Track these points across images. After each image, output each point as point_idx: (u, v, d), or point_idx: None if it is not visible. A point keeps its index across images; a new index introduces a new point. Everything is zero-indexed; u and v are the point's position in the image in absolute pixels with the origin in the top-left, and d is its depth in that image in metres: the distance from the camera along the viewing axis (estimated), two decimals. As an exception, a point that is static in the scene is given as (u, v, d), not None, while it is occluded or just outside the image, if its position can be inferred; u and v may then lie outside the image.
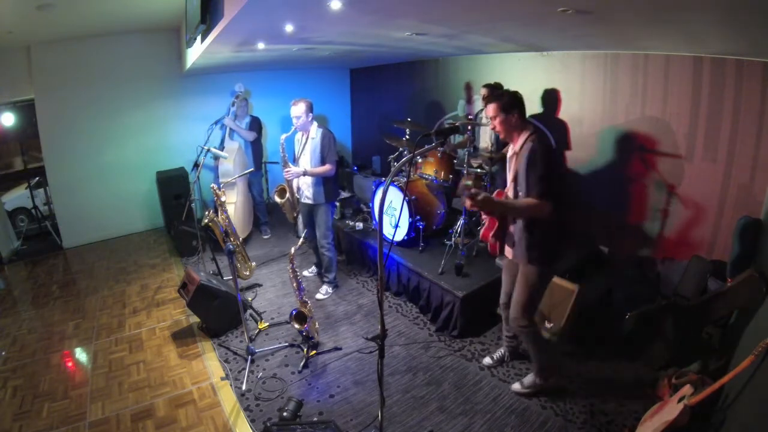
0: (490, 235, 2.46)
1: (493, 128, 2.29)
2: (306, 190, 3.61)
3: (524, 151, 2.18)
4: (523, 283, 2.38)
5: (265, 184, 6.23)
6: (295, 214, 3.91)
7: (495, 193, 2.44)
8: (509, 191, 2.36)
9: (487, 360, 2.90)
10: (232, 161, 4.61)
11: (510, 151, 2.37)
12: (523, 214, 2.27)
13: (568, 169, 3.90)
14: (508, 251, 2.45)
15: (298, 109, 3.39)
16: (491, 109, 2.26)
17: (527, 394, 2.57)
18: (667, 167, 3.23)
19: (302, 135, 3.56)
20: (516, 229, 2.35)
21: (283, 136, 3.53)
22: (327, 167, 3.46)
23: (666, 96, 3.15)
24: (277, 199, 3.85)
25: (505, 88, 3.89)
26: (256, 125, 4.98)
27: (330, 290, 3.87)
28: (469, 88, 4.72)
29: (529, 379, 2.60)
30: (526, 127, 2.24)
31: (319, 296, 3.80)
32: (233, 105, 4.87)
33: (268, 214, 5.52)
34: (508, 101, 2.21)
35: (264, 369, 2.89)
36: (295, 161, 3.61)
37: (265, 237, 5.26)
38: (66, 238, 5.41)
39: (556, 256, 2.40)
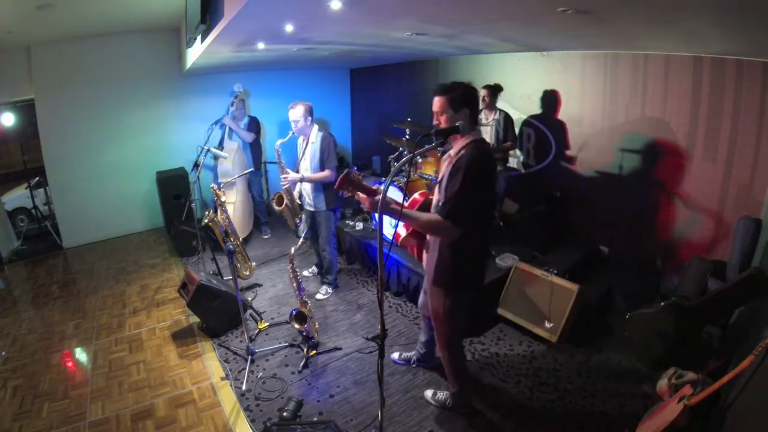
0: (402, 238, 2.19)
1: (437, 124, 1.94)
2: (307, 196, 3.55)
3: (455, 159, 1.89)
4: (430, 304, 2.20)
5: (265, 184, 6.24)
6: (297, 221, 3.82)
7: (419, 193, 2.25)
8: (434, 196, 2.12)
9: (394, 355, 2.89)
10: (232, 161, 4.61)
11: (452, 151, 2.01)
12: (421, 229, 2.02)
13: (572, 169, 3.91)
14: (424, 258, 2.19)
15: (296, 113, 3.31)
16: (437, 103, 1.91)
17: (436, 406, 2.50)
18: (667, 167, 3.24)
19: (303, 139, 3.50)
20: (430, 240, 2.11)
21: (279, 142, 3.46)
22: (326, 173, 3.35)
23: (666, 96, 3.16)
24: (276, 207, 3.70)
25: (505, 88, 3.92)
26: (254, 126, 4.97)
27: (330, 290, 3.87)
28: None
29: (442, 395, 2.49)
30: (472, 131, 1.91)
31: (319, 296, 3.80)
32: (232, 105, 4.87)
33: (268, 214, 5.51)
34: (459, 96, 1.86)
35: (264, 369, 2.89)
36: (297, 166, 3.57)
37: (265, 237, 5.26)
38: (66, 238, 5.41)
39: (469, 285, 2.11)
